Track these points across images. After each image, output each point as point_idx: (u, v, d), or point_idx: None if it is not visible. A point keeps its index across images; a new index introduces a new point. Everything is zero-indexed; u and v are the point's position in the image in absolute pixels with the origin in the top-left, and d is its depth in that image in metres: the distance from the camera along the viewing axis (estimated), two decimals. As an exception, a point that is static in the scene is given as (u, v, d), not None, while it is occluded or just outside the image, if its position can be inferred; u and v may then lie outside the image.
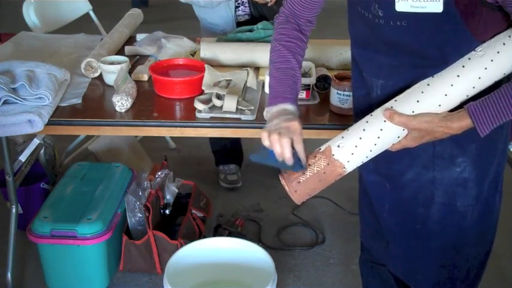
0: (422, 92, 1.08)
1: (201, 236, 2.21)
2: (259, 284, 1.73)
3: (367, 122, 1.13)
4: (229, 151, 2.72)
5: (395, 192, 1.28)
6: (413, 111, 1.08)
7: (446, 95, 1.07)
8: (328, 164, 1.13)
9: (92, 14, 2.73)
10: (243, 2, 2.28)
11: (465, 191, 1.21)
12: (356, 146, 1.12)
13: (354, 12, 1.18)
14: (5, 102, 1.60)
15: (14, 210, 2.00)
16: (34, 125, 1.56)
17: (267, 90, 1.77)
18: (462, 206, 1.22)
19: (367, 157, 1.14)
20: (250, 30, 2.07)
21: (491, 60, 1.03)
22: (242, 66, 1.87)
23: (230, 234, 2.26)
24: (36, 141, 2.10)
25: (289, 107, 1.19)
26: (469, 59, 1.05)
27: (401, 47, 1.10)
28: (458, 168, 1.19)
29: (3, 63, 1.74)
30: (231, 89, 1.68)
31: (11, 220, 2.00)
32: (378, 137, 1.11)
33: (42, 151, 2.34)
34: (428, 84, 1.09)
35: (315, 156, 1.15)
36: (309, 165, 1.14)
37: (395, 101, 1.11)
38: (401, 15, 1.05)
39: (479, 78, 1.05)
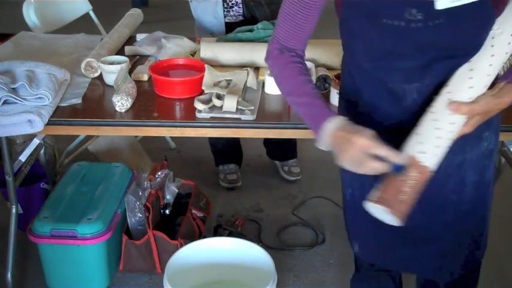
0: (470, 78, 1.11)
1: (201, 236, 2.21)
2: (259, 284, 1.73)
3: (434, 120, 1.13)
4: (229, 151, 2.72)
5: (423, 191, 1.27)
6: (469, 98, 1.10)
7: (488, 75, 1.11)
8: (419, 173, 1.12)
9: (92, 14, 2.73)
10: (237, 2, 2.27)
11: (490, 162, 1.24)
12: (437, 147, 1.13)
13: (370, 28, 1.13)
14: (5, 102, 1.60)
15: (14, 210, 2.00)
16: (34, 125, 1.56)
17: (267, 90, 1.78)
18: (488, 177, 1.25)
19: (443, 154, 1.15)
20: (250, 30, 2.07)
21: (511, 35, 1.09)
22: (242, 66, 1.87)
23: (230, 234, 2.26)
24: (36, 141, 2.10)
25: (338, 122, 1.12)
26: (493, 38, 1.09)
27: (436, 45, 1.10)
28: (485, 143, 1.21)
29: (3, 63, 1.74)
30: (231, 89, 1.68)
31: (11, 220, 2.00)
32: (451, 131, 1.13)
33: (42, 151, 2.34)
34: (471, 70, 1.11)
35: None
36: (403, 180, 1.12)
37: (449, 92, 1.12)
38: (440, 13, 1.05)
39: (506, 53, 1.10)
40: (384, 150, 1.07)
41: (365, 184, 1.29)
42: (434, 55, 1.11)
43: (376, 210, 1.12)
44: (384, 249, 1.41)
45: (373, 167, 1.07)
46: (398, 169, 1.09)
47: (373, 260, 1.49)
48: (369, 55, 1.17)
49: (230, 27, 2.28)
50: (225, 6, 2.28)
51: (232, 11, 2.29)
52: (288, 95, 1.23)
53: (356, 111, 1.26)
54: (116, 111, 1.64)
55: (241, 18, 2.31)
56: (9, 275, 2.00)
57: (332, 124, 1.12)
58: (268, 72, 1.79)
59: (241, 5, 2.28)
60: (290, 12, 1.18)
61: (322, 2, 1.16)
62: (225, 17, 2.30)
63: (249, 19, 2.29)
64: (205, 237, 2.15)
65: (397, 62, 1.14)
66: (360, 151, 1.06)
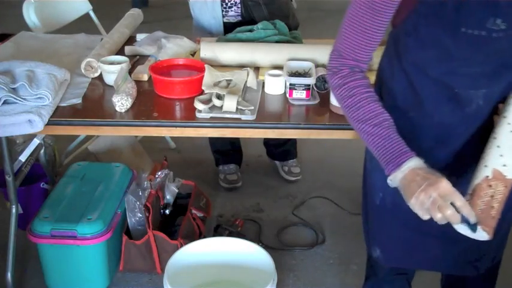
0: None
1: (201, 236, 2.21)
2: (259, 284, 1.73)
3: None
4: (229, 151, 2.72)
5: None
6: None
7: None
8: (505, 186, 1.12)
9: (92, 14, 2.73)
10: (235, 2, 2.27)
11: None
12: None
13: (446, 37, 1.12)
14: (5, 102, 1.60)
15: (14, 210, 2.00)
16: (34, 125, 1.56)
17: (267, 90, 1.78)
18: None
19: None
20: (251, 30, 2.07)
21: None
22: (242, 66, 1.87)
23: (230, 234, 2.26)
24: (36, 141, 2.10)
25: (417, 162, 1.11)
26: None
27: (508, 52, 1.11)
28: None
29: (3, 63, 1.74)
30: (231, 89, 1.68)
31: (11, 220, 2.00)
32: None
33: (42, 151, 2.34)
34: None
35: (490, 186, 1.11)
36: (492, 196, 1.11)
37: None
38: None
39: None
40: (461, 202, 1.05)
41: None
42: (502, 62, 1.12)
43: (467, 227, 1.11)
44: (413, 252, 1.41)
45: (447, 215, 1.05)
46: (470, 226, 1.07)
47: (398, 263, 1.48)
48: (440, 62, 1.16)
49: (228, 27, 2.28)
50: (224, 6, 2.28)
51: (231, 11, 2.29)
52: (360, 121, 1.17)
53: (406, 117, 1.23)
54: (116, 111, 1.64)
55: (239, 18, 2.31)
56: (9, 275, 2.00)
57: (412, 164, 1.10)
58: (269, 72, 1.79)
59: (239, 5, 2.28)
60: (361, 23, 1.13)
61: (393, 10, 1.12)
62: (223, 17, 2.30)
63: (247, 19, 2.29)
64: (205, 237, 2.15)
65: (467, 69, 1.14)
66: (439, 195, 1.05)
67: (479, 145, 1.19)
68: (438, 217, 1.05)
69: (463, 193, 1.12)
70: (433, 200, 1.04)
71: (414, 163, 1.10)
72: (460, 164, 1.23)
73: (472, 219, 1.06)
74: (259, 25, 2.07)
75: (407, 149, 1.12)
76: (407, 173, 1.09)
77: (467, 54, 1.12)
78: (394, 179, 1.12)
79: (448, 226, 1.30)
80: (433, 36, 1.13)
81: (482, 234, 1.10)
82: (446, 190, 1.05)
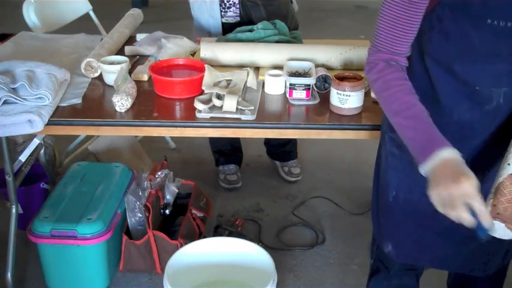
0: None
1: (201, 236, 2.21)
2: (259, 284, 1.74)
3: None
4: (229, 151, 2.72)
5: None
6: None
7: None
8: None
9: (92, 14, 2.73)
10: (234, 3, 2.27)
11: None
12: None
13: (470, 29, 1.11)
14: (5, 102, 1.60)
15: (14, 210, 2.00)
16: (34, 125, 1.56)
17: (267, 90, 1.78)
18: None
19: None
20: (250, 30, 2.07)
21: None
22: (242, 66, 1.87)
23: (230, 234, 2.26)
24: (36, 141, 2.10)
25: (450, 153, 1.08)
26: None
27: None
28: None
29: (3, 63, 1.74)
30: (231, 89, 1.68)
31: (11, 220, 2.00)
32: None
33: (42, 151, 2.33)
34: None
35: None
36: None
37: None
38: None
39: None
40: (480, 206, 1.03)
41: (413, 188, 1.29)
42: None
43: (504, 226, 1.11)
44: (424, 249, 1.42)
45: (460, 216, 1.04)
46: (482, 230, 1.04)
47: (408, 260, 1.48)
48: (463, 57, 1.15)
49: (227, 28, 2.28)
50: (222, 6, 2.28)
51: (230, 11, 2.29)
52: (394, 114, 1.17)
53: None
54: (116, 111, 1.64)
55: (238, 19, 2.31)
56: (9, 275, 2.00)
57: (445, 154, 1.08)
58: (269, 72, 1.79)
59: (238, 5, 2.28)
60: (396, 15, 1.14)
61: (427, 1, 1.12)
62: (222, 17, 2.30)
63: (246, 20, 2.29)
64: (205, 237, 2.15)
65: (490, 66, 1.14)
66: (460, 194, 1.03)
67: (500, 144, 1.19)
68: (453, 215, 1.05)
69: (486, 192, 1.11)
70: (453, 198, 1.04)
71: (446, 154, 1.08)
72: (481, 163, 1.22)
73: (487, 226, 1.04)
74: (259, 25, 2.07)
75: (439, 138, 1.10)
76: (437, 163, 1.07)
77: (492, 47, 1.11)
78: (425, 169, 1.10)
79: (461, 225, 1.30)
80: (457, 29, 1.12)
81: (506, 233, 1.10)
82: (468, 192, 1.03)
